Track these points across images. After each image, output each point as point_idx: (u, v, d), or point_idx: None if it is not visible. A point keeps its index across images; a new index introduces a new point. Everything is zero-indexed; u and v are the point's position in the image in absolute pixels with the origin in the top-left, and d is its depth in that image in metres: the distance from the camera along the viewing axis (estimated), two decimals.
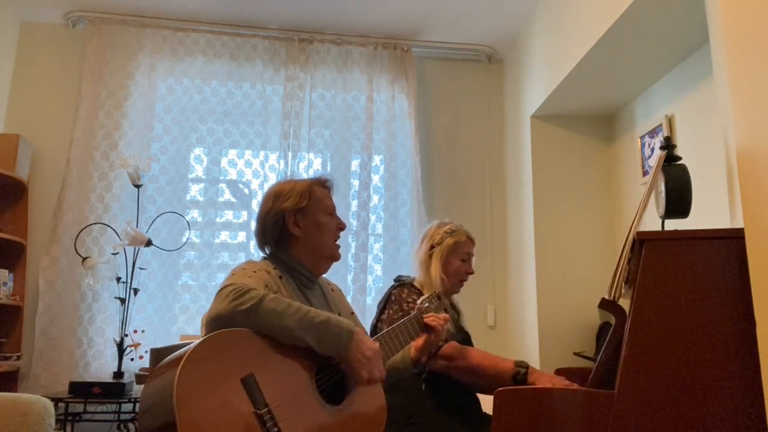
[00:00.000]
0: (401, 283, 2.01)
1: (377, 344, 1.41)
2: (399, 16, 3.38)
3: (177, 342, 2.93)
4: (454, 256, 2.04)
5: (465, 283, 2.10)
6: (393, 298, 1.95)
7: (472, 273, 2.09)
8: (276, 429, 1.20)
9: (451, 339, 1.89)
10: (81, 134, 3.20)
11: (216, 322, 1.29)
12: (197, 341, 1.20)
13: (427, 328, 1.63)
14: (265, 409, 1.20)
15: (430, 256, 2.04)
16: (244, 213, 3.39)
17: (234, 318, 1.28)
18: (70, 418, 2.71)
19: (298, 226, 1.58)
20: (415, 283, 2.02)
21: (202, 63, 3.42)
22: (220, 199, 3.39)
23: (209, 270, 3.24)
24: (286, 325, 1.30)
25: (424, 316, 1.64)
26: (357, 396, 1.40)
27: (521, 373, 1.77)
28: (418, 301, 1.70)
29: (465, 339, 2.05)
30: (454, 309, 2.11)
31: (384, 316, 1.94)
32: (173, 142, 3.32)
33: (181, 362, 1.14)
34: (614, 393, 1.41)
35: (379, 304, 2.03)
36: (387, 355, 1.53)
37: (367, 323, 2.12)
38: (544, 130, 3.28)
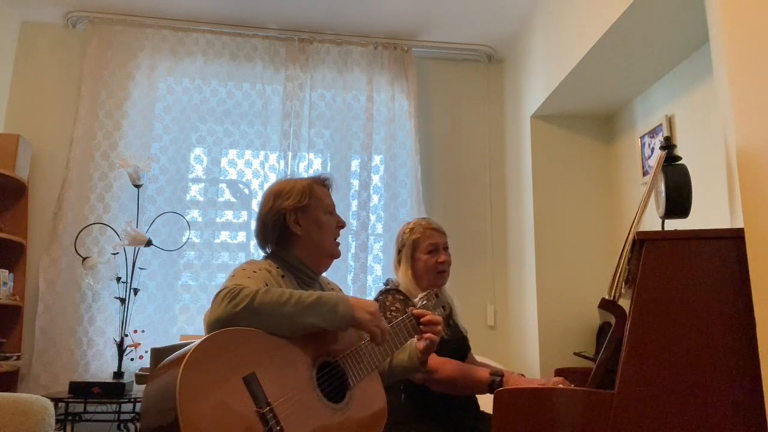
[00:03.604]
0: (387, 290, 2.02)
1: (375, 303, 1.45)
2: (399, 16, 3.38)
3: (177, 342, 2.93)
4: (420, 252, 2.05)
5: (446, 273, 2.08)
6: (378, 305, 1.97)
7: (443, 262, 2.06)
8: (278, 427, 1.20)
9: (443, 339, 1.89)
10: (81, 134, 3.20)
11: (218, 326, 1.29)
12: (199, 340, 1.20)
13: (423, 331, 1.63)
14: (267, 408, 1.20)
15: (399, 261, 2.08)
16: (244, 213, 3.39)
17: (234, 320, 1.28)
18: (70, 418, 2.71)
19: (299, 225, 1.59)
20: (401, 287, 2.03)
21: (202, 63, 3.42)
22: (220, 199, 3.39)
23: (209, 270, 3.24)
24: (285, 313, 1.30)
25: (421, 318, 1.64)
26: (357, 394, 1.40)
27: (497, 381, 1.78)
28: (416, 299, 1.73)
29: (458, 338, 2.05)
30: (443, 307, 2.11)
31: None
32: (173, 142, 3.32)
33: (183, 362, 1.14)
34: (614, 393, 1.41)
35: None
36: (387, 352, 1.53)
37: None
38: (544, 130, 3.28)
